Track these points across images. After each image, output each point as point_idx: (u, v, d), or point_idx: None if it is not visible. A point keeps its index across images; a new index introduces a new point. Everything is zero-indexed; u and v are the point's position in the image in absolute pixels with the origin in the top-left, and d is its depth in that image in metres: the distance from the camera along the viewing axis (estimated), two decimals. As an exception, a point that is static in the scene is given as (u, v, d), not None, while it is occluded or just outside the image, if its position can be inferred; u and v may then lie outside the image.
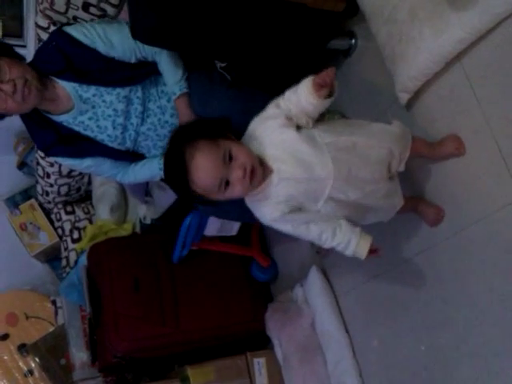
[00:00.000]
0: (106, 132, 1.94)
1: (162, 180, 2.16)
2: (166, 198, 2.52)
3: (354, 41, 1.96)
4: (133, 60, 1.91)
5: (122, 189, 2.89)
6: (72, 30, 1.85)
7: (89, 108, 1.91)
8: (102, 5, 2.15)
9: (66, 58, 1.83)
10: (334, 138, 1.39)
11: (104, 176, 2.21)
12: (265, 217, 1.42)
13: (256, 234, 2.62)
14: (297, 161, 1.34)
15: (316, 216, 1.40)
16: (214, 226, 2.43)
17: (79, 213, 3.06)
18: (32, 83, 1.74)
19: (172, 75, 1.94)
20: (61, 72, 1.85)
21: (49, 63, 1.85)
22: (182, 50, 1.92)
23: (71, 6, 2.15)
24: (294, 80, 1.40)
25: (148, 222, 2.66)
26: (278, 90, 1.43)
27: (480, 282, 1.56)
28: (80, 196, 3.15)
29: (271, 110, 1.40)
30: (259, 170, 1.31)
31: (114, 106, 1.91)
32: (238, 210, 2.11)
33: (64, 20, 2.22)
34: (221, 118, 1.38)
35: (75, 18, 2.20)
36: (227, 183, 1.30)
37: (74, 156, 1.98)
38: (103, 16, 2.19)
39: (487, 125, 1.46)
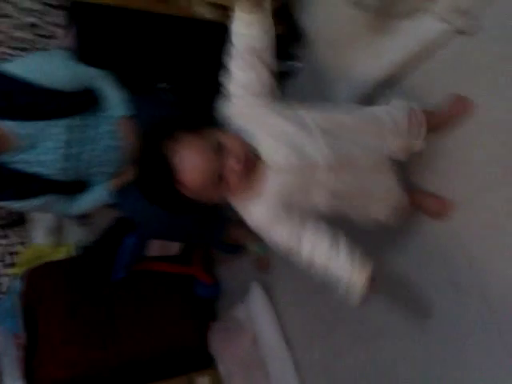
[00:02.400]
0: (50, 166, 1.87)
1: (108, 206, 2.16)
2: (103, 218, 2.50)
3: (297, 63, 2.02)
4: (69, 89, 1.86)
5: (59, 212, 2.83)
6: (1, 67, 1.78)
7: (30, 144, 1.83)
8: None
9: None
10: (323, 114, 1.24)
11: (54, 212, 2.14)
12: (255, 218, 1.23)
13: (198, 251, 2.63)
14: (288, 148, 1.18)
15: (312, 219, 1.23)
16: (155, 246, 2.44)
17: (12, 237, 2.96)
18: None
19: (114, 98, 1.94)
20: None
21: None
22: (123, 69, 1.94)
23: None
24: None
25: (85, 244, 2.61)
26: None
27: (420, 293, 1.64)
28: (13, 220, 3.05)
29: (231, 90, 1.22)
30: (254, 158, 1.16)
31: (56, 138, 1.85)
32: (183, 231, 2.15)
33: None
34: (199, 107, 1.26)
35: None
36: (220, 178, 1.12)
37: (21, 198, 1.90)
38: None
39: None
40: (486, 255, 1.45)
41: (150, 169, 1.14)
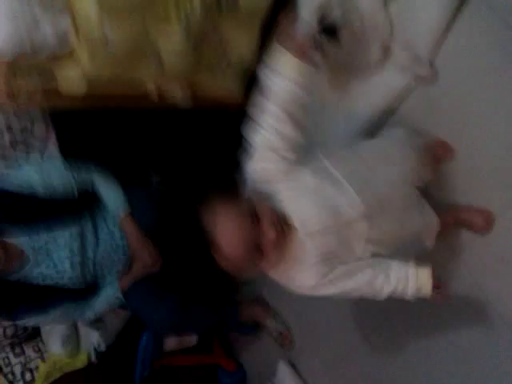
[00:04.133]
0: (66, 275, 1.85)
1: (120, 307, 2.12)
2: (117, 320, 2.45)
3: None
4: (74, 193, 1.86)
5: (72, 319, 2.79)
6: (5, 182, 1.77)
7: (44, 256, 1.81)
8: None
9: (6, 214, 1.75)
10: (349, 166, 1.19)
11: (69, 321, 2.11)
12: (303, 286, 1.18)
13: (217, 339, 2.56)
14: (321, 209, 1.12)
15: (360, 263, 1.18)
16: (172, 340, 2.38)
17: (29, 352, 2.88)
18: None
19: (112, 198, 1.94)
20: (5, 229, 1.75)
21: None
22: (114, 163, 1.94)
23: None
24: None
25: (103, 348, 2.55)
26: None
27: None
28: (28, 335, 2.99)
29: (259, 153, 1.14)
30: (286, 226, 1.10)
31: (70, 246, 1.84)
32: (197, 321, 2.11)
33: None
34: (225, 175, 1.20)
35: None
36: (257, 248, 1.07)
37: (39, 312, 1.87)
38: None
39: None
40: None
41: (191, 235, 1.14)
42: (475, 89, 1.39)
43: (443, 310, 1.58)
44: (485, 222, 1.43)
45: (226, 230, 1.05)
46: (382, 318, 1.80)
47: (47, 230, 1.81)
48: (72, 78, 1.48)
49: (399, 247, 1.26)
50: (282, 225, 1.09)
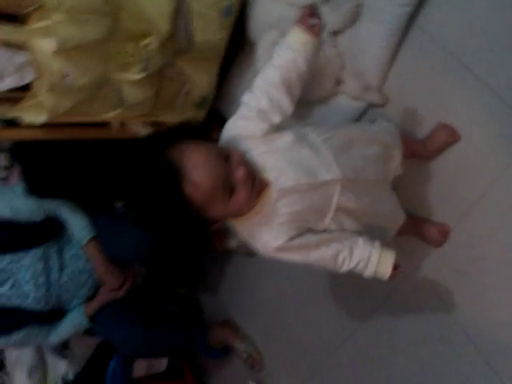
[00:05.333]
0: (30, 296, 1.87)
1: (87, 333, 2.11)
2: (85, 347, 2.42)
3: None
4: (40, 218, 1.90)
5: (39, 348, 2.72)
6: None
7: (7, 277, 1.84)
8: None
9: None
10: (329, 134, 1.22)
11: (32, 345, 2.15)
12: (268, 246, 1.15)
13: (187, 364, 2.54)
14: (296, 167, 1.13)
15: (327, 236, 1.18)
16: (141, 366, 2.36)
17: (-7, 386, 2.83)
18: None
19: (76, 223, 1.96)
20: None
21: None
22: (76, 196, 1.96)
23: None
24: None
25: (71, 377, 2.50)
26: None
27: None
28: (-8, 367, 2.92)
29: (244, 111, 1.18)
30: (256, 174, 1.09)
31: (34, 267, 1.86)
32: (164, 344, 2.09)
33: None
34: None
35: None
36: (230, 189, 1.04)
37: (1, 334, 1.88)
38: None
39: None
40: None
41: (147, 178, 1.02)
42: (423, 113, 1.48)
43: (400, 319, 1.64)
44: (440, 237, 1.48)
45: (195, 159, 1.01)
46: (351, 336, 1.83)
47: (11, 251, 1.84)
48: (32, 109, 1.48)
49: (366, 227, 1.26)
50: (256, 176, 1.08)
